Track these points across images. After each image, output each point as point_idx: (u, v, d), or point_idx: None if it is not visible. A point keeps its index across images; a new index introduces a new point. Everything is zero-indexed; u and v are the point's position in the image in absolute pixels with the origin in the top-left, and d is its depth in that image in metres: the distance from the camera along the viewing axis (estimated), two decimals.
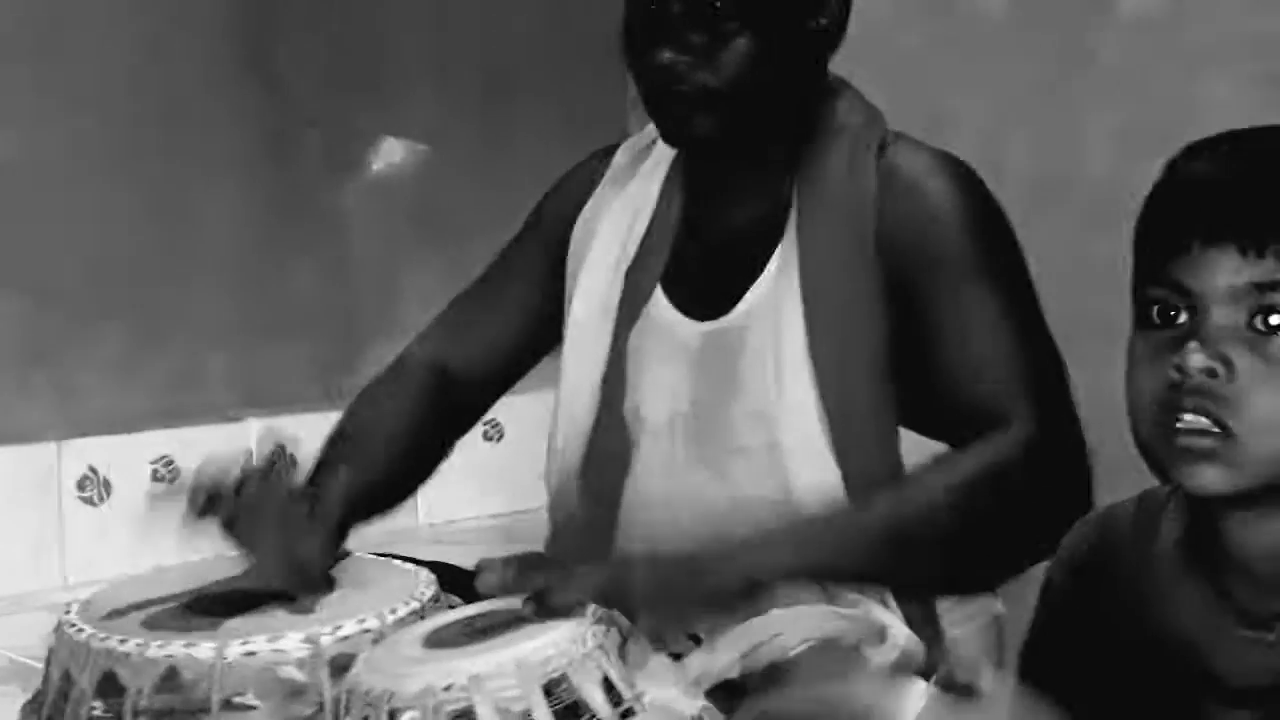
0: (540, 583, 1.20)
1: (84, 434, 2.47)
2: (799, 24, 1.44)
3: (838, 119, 1.47)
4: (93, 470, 2.47)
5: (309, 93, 2.69)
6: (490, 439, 2.88)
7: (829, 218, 1.44)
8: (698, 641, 1.39)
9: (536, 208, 1.68)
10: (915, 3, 2.02)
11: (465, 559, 1.53)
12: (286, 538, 1.39)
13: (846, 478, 1.41)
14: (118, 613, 1.32)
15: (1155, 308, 1.04)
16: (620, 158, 1.61)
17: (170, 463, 2.55)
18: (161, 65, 2.54)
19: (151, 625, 1.29)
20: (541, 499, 2.91)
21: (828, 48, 1.47)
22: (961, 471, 1.34)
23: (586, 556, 1.50)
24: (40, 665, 2.09)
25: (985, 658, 1.50)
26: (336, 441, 1.56)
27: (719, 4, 1.39)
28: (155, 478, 2.53)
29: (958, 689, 1.03)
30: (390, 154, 2.80)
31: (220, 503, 1.42)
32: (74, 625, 1.28)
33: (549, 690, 1.11)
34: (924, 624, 1.44)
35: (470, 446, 2.80)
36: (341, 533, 1.45)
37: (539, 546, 1.71)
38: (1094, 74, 1.96)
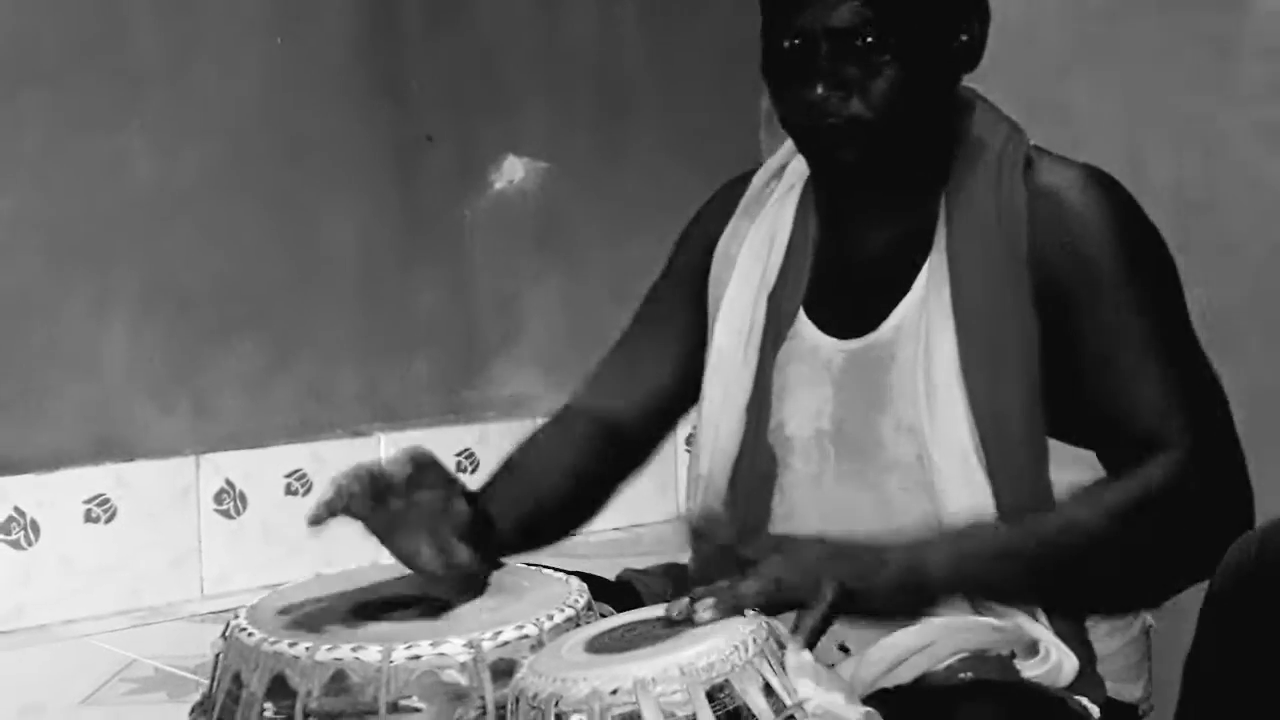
0: (723, 587, 1.22)
1: (220, 449, 2.53)
2: (944, 45, 1.44)
3: (978, 133, 1.48)
4: (229, 484, 2.53)
5: (431, 111, 2.74)
6: None
7: (980, 234, 1.44)
8: (846, 652, 1.41)
9: (678, 242, 1.69)
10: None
11: (593, 571, 1.57)
12: (438, 545, 1.42)
13: (997, 492, 1.41)
14: (283, 616, 1.35)
15: None
16: (756, 182, 1.62)
17: (303, 476, 2.60)
18: (289, 88, 2.60)
19: (315, 629, 1.32)
20: (661, 512, 2.98)
21: (969, 64, 1.48)
22: (1120, 498, 1.34)
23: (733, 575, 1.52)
24: (185, 674, 2.17)
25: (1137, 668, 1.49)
26: (502, 474, 1.59)
27: (871, 38, 1.40)
28: (288, 491, 2.59)
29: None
30: (511, 171, 2.84)
31: (369, 511, 1.44)
32: (245, 629, 1.31)
33: (712, 696, 1.12)
34: (1073, 638, 1.44)
35: None
36: (500, 548, 1.48)
37: (657, 560, 1.73)
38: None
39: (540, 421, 1.68)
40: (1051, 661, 1.40)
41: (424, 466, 1.44)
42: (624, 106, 2.92)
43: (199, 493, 2.51)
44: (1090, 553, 1.34)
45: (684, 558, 1.71)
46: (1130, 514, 1.33)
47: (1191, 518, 1.34)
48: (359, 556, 1.78)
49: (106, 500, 2.42)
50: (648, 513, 2.95)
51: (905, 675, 1.42)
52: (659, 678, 1.12)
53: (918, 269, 1.47)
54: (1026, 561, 1.35)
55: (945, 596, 1.36)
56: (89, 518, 2.41)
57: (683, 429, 2.94)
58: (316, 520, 1.42)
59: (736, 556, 1.30)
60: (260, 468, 2.57)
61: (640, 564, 1.69)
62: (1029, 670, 1.39)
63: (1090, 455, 1.44)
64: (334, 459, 2.63)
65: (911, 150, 1.46)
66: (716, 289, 1.59)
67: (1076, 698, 1.40)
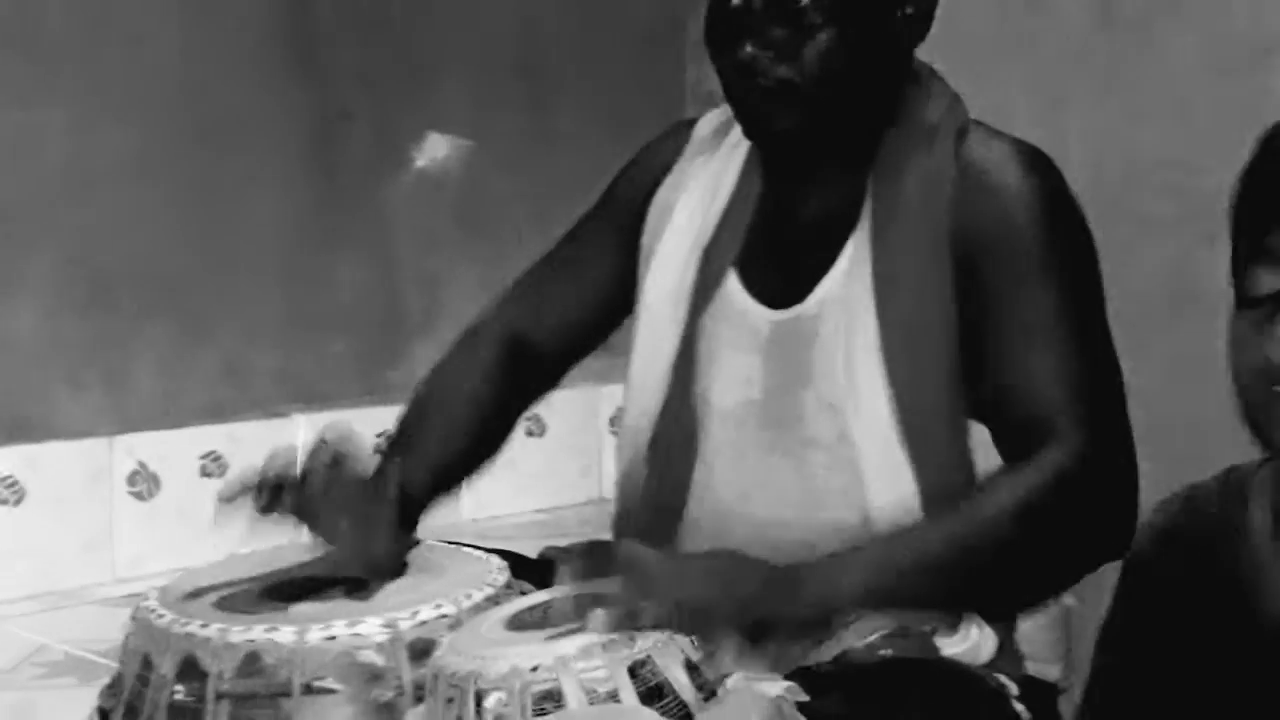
0: (621, 603, 1.19)
1: (134, 430, 2.48)
2: (885, 15, 1.42)
3: (919, 108, 1.46)
4: (142, 465, 2.49)
5: (352, 90, 2.70)
6: (533, 434, 2.89)
7: (904, 210, 1.42)
8: None
9: (614, 180, 1.67)
10: None
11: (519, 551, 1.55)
12: (358, 525, 1.40)
13: (918, 471, 1.41)
14: (194, 598, 1.32)
15: (1254, 282, 1.04)
16: (701, 131, 1.59)
17: (218, 458, 2.56)
18: (206, 65, 2.55)
19: (227, 610, 1.30)
20: (583, 494, 2.96)
21: (915, 38, 1.46)
22: (1019, 495, 1.34)
23: (653, 536, 1.50)
24: (96, 658, 2.13)
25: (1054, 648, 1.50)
26: (414, 414, 1.57)
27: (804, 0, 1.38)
28: (203, 473, 2.54)
29: None
30: (433, 149, 2.81)
31: (287, 493, 1.43)
32: (154, 611, 1.29)
33: (633, 672, 1.11)
34: (995, 617, 1.44)
35: (513, 442, 2.85)
36: (420, 510, 1.46)
37: (581, 540, 1.71)
38: None
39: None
40: (971, 639, 1.40)
41: (344, 451, 1.42)
42: (547, 83, 2.90)
43: (112, 475, 2.46)
44: (992, 553, 1.33)
45: (608, 535, 1.70)
46: (1029, 512, 1.33)
47: (1082, 511, 1.34)
48: (275, 539, 1.76)
49: (15, 482, 2.37)
50: (570, 495, 2.93)
51: (825, 652, 1.42)
52: (580, 654, 1.11)
53: (845, 242, 1.45)
54: (934, 574, 1.34)
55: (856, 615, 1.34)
56: None
57: (606, 408, 2.98)
58: (228, 499, 1.40)
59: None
60: (175, 449, 2.52)
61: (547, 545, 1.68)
62: (949, 648, 1.39)
63: None
64: (251, 440, 2.58)
65: (848, 121, 1.44)
66: (650, 238, 1.57)
67: (995, 675, 1.40)
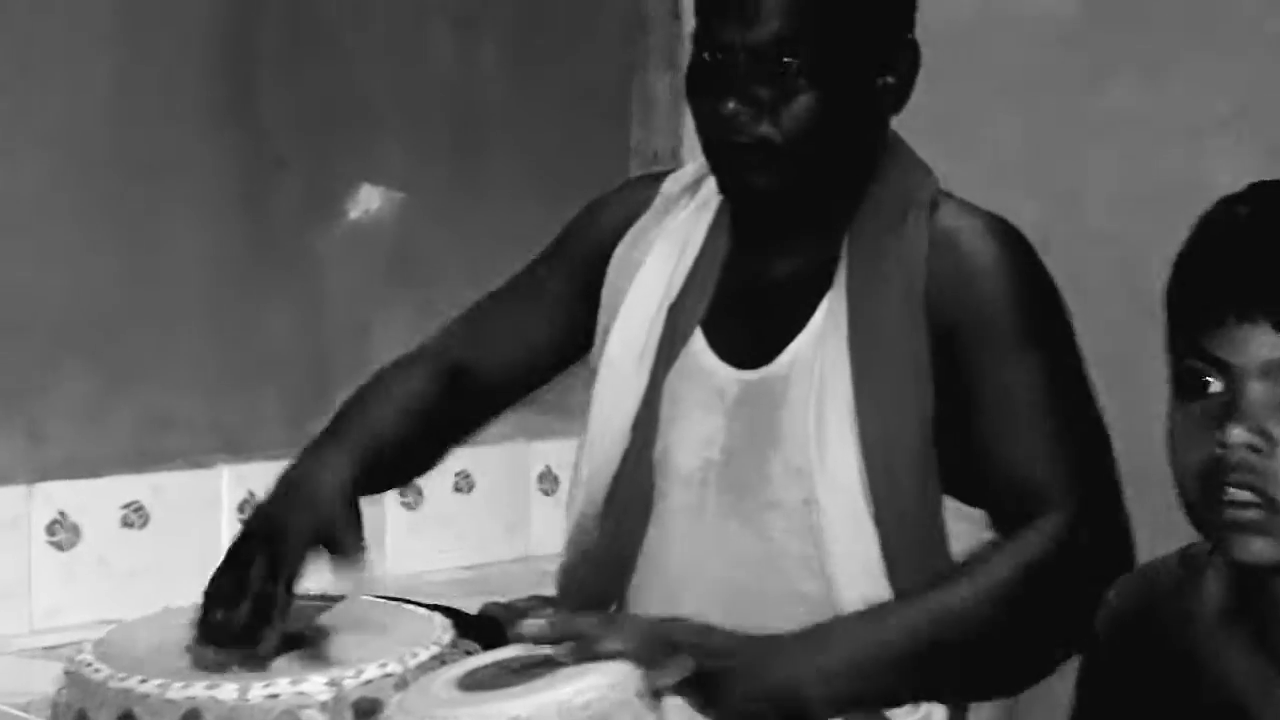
0: (581, 627, 1.18)
1: (54, 478, 2.42)
2: (867, 82, 1.43)
3: (891, 174, 1.47)
4: (62, 514, 2.43)
5: (284, 137, 2.67)
6: (460, 490, 2.86)
7: (880, 275, 1.43)
8: None
9: (571, 225, 1.66)
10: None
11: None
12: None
13: (883, 538, 1.40)
14: (131, 650, 1.29)
15: (1192, 378, 1.04)
16: (669, 188, 1.59)
17: (139, 508, 2.51)
18: (135, 105, 2.51)
19: (165, 666, 1.26)
20: (511, 551, 2.93)
21: (893, 106, 1.47)
22: (999, 572, 1.33)
23: (599, 593, 1.49)
24: (15, 712, 2.06)
25: None
26: (348, 410, 1.55)
27: (788, 59, 1.38)
28: (125, 523, 2.49)
29: None
30: (367, 200, 2.79)
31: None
32: (90, 665, 1.25)
33: None
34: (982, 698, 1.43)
35: (439, 498, 2.81)
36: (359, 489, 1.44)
37: (506, 598, 1.69)
38: None
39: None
40: (921, 711, 1.39)
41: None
42: (483, 139, 2.89)
43: (30, 523, 2.39)
44: (970, 636, 1.32)
45: (536, 592, 1.68)
46: (1011, 591, 1.32)
47: (1073, 586, 1.33)
48: (197, 592, 1.72)
49: None
50: (498, 551, 2.90)
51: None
52: (535, 715, 1.09)
53: (817, 304, 1.45)
54: (905, 657, 1.31)
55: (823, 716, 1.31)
56: None
57: (535, 465, 2.96)
58: None
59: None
60: (95, 498, 2.46)
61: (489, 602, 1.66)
62: (900, 718, 1.38)
63: (980, 513, 1.43)
64: (174, 490, 2.54)
65: (823, 183, 1.45)
66: (612, 294, 1.56)
67: None
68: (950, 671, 1.34)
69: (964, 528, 1.44)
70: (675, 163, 1.55)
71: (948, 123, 2.03)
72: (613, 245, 1.57)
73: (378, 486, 1.53)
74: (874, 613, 1.35)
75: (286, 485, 1.41)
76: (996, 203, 1.49)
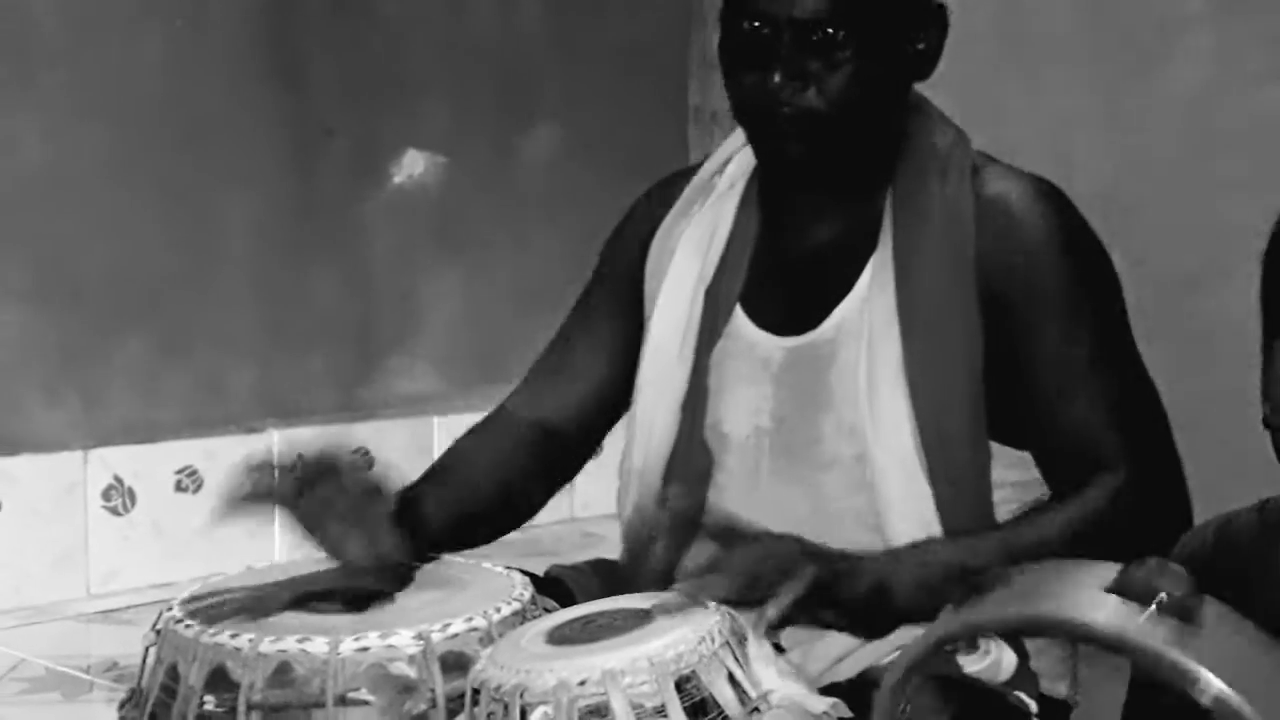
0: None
1: (109, 444, 2.45)
2: (900, 48, 1.45)
3: (926, 135, 1.48)
4: (118, 480, 2.46)
5: (331, 104, 2.69)
6: None
7: (927, 235, 1.44)
8: (781, 651, 1.40)
9: (609, 242, 1.67)
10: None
11: None
12: (359, 527, 1.39)
13: (937, 493, 1.42)
14: (221, 608, 1.30)
15: None
16: (701, 176, 1.60)
17: (194, 473, 2.54)
18: (186, 77, 2.53)
19: (255, 621, 1.28)
20: (556, 514, 2.95)
21: (923, 72, 1.48)
22: (1066, 523, 1.36)
23: (665, 576, 1.50)
24: (79, 674, 2.10)
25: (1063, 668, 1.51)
26: (430, 477, 1.56)
27: (835, 31, 1.39)
28: (178, 488, 2.52)
29: None
30: (411, 165, 2.80)
31: (293, 489, 1.40)
32: (181, 621, 1.27)
33: (680, 686, 1.11)
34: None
35: None
36: (428, 545, 1.45)
37: (558, 559, 1.71)
38: None
39: (441, 420, 1.65)
40: (991, 657, 1.41)
41: (339, 463, 1.41)
42: (526, 103, 2.90)
43: (86, 489, 2.43)
44: None
45: (609, 554, 1.69)
46: (1078, 540, 1.34)
47: (1135, 539, 1.34)
48: (250, 555, 1.74)
49: None
50: (543, 514, 2.91)
51: (849, 670, 1.42)
52: (628, 669, 1.10)
53: (861, 267, 1.46)
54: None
55: (902, 620, 1.35)
56: None
57: None
58: (229, 508, 1.38)
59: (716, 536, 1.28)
60: (150, 464, 2.49)
61: (536, 565, 1.67)
62: (970, 665, 1.40)
63: (1029, 456, 1.45)
64: (226, 455, 2.56)
65: (860, 148, 1.46)
66: (653, 283, 1.58)
67: (1015, 693, 1.42)
68: None
69: (1000, 473, 1.46)
70: (732, 123, 1.54)
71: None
72: (645, 250, 1.59)
73: (465, 545, 1.54)
74: (965, 538, 1.38)
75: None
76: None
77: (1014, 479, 1.44)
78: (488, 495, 1.57)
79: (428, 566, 1.44)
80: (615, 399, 1.63)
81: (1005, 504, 1.46)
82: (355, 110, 2.71)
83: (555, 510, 2.97)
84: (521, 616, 1.30)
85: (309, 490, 1.41)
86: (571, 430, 1.63)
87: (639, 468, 1.56)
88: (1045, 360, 1.40)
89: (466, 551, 1.52)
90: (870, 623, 1.32)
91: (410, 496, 1.49)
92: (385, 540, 1.39)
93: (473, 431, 1.64)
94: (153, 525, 2.48)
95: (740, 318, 1.52)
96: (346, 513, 1.40)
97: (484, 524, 1.57)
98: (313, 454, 1.44)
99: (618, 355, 1.62)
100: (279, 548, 2.25)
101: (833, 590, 1.27)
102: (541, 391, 1.64)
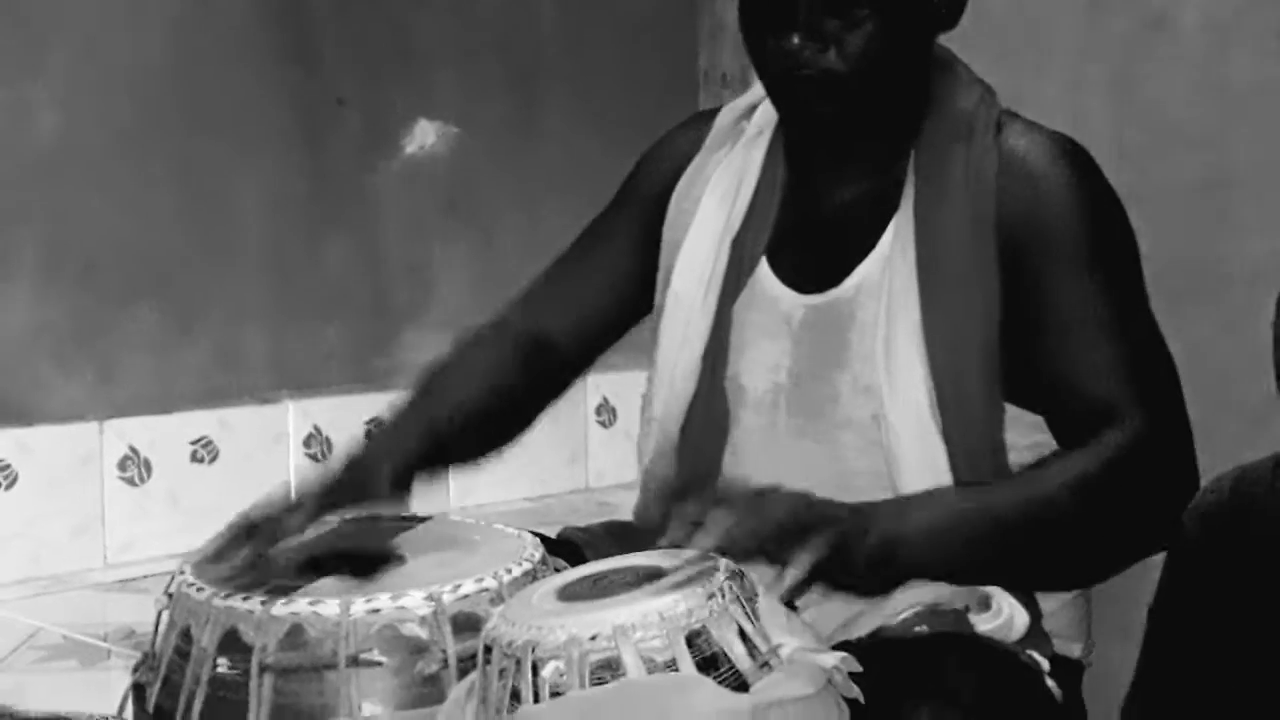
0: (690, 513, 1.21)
1: (125, 415, 2.46)
2: (923, 4, 1.44)
3: (952, 95, 1.47)
4: (133, 450, 2.47)
5: (343, 75, 2.69)
6: None
7: (948, 195, 1.43)
8: (794, 610, 1.40)
9: (631, 174, 1.67)
10: None
11: None
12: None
13: (951, 453, 1.41)
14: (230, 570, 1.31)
15: None
16: (721, 123, 1.60)
17: (209, 443, 2.54)
18: (196, 50, 2.53)
19: (266, 584, 1.29)
20: (570, 483, 2.96)
21: (948, 24, 1.47)
22: (1077, 472, 1.35)
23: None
24: (96, 641, 2.11)
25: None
26: (428, 382, 1.56)
27: None
28: (194, 459, 2.53)
29: None
30: (422, 136, 2.80)
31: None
32: (193, 584, 1.28)
33: (690, 641, 1.11)
34: (1021, 595, 1.45)
35: None
36: (419, 465, 1.46)
37: (600, 521, 1.71)
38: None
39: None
40: (1004, 616, 1.41)
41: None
42: (537, 72, 2.89)
43: (102, 459, 2.44)
44: (1051, 531, 1.35)
45: (624, 515, 1.70)
46: (1088, 489, 1.34)
47: (1144, 491, 1.35)
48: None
49: (7, 466, 2.35)
50: (557, 483, 2.93)
51: (861, 629, 1.42)
52: (638, 624, 1.10)
53: (883, 227, 1.46)
54: (991, 544, 1.35)
55: (910, 576, 1.35)
56: None
57: (592, 397, 2.98)
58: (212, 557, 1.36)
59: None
60: (165, 434, 2.50)
61: (550, 533, 1.67)
62: (982, 625, 1.40)
63: (1043, 421, 1.45)
64: (241, 426, 2.57)
65: (884, 107, 1.46)
66: (674, 230, 1.57)
67: (1028, 652, 1.42)
68: (1032, 555, 1.37)
69: (1012, 437, 1.46)
70: (744, 85, 1.54)
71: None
72: (671, 187, 1.58)
73: (456, 459, 1.54)
74: (971, 490, 1.38)
75: (347, 465, 1.43)
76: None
77: (1027, 443, 1.44)
78: (476, 410, 1.56)
79: (436, 527, 1.45)
80: (615, 323, 1.64)
81: (1018, 468, 1.46)
82: (366, 81, 2.71)
83: (570, 479, 3.01)
84: (532, 577, 1.30)
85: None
86: (567, 345, 1.63)
87: (659, 416, 1.56)
88: (1061, 314, 1.40)
89: (478, 511, 1.53)
90: (878, 581, 1.32)
91: (396, 424, 1.50)
92: (379, 490, 1.40)
93: (468, 341, 1.64)
94: (169, 495, 2.49)
95: (764, 271, 1.51)
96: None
97: (473, 436, 1.57)
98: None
99: (623, 283, 1.62)
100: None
101: (842, 554, 1.27)
102: (542, 304, 1.64)
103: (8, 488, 2.35)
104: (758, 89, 1.54)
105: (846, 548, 1.27)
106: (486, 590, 1.27)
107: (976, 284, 1.42)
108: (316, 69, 2.66)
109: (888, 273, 1.44)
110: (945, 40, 1.51)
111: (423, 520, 1.46)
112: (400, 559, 1.35)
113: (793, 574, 1.22)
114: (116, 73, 2.45)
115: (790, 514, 1.27)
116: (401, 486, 1.44)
